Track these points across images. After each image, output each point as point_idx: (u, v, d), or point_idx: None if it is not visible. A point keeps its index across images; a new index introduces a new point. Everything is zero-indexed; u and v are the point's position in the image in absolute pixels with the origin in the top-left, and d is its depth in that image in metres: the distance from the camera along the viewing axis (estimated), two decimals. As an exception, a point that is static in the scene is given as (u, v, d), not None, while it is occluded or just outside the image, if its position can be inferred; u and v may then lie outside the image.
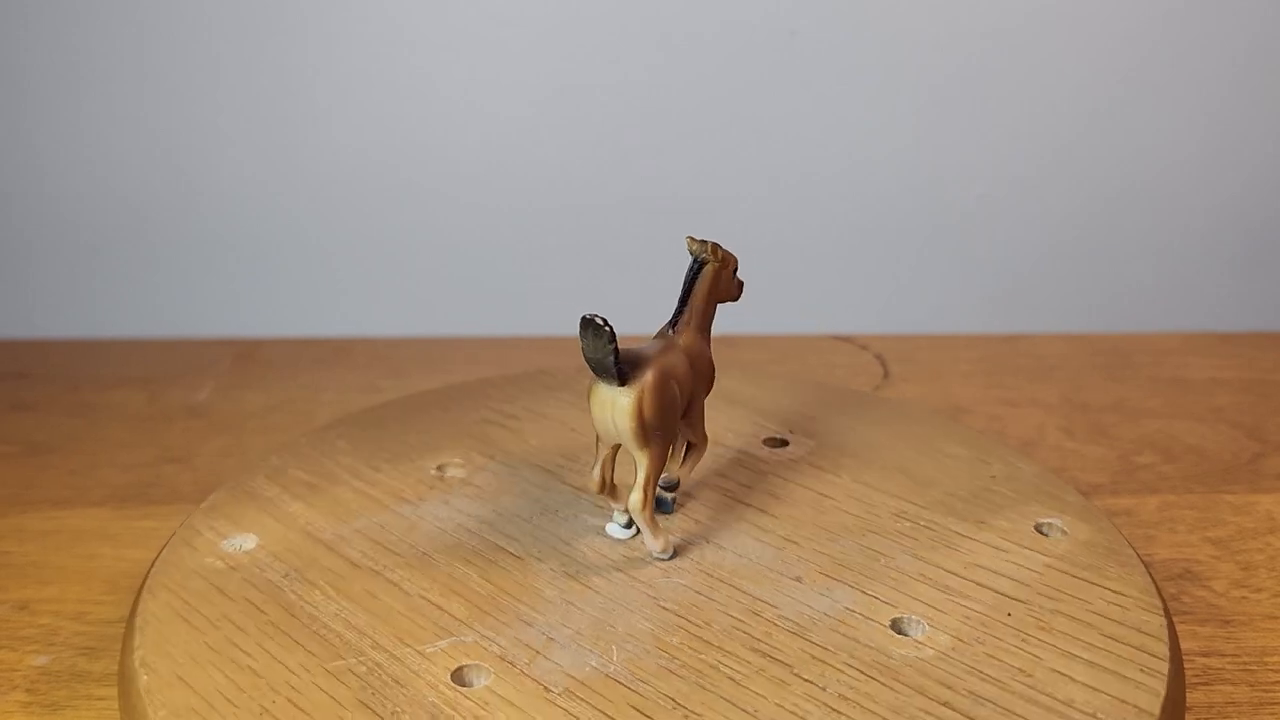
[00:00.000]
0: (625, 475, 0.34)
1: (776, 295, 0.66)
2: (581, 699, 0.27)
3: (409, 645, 0.29)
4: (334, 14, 0.59)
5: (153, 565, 0.34)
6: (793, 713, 0.27)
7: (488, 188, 0.63)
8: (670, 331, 0.34)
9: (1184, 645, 0.35)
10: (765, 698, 0.27)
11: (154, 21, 0.59)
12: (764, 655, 0.29)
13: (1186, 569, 0.41)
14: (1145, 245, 0.65)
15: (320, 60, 0.60)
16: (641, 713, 0.27)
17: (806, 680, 0.28)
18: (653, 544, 0.33)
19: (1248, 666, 0.35)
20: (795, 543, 0.34)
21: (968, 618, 0.30)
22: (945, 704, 0.27)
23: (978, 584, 0.32)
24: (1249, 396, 0.56)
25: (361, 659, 0.29)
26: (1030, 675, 0.28)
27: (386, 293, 0.65)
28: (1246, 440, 0.51)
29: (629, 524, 0.35)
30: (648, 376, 0.31)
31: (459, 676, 0.28)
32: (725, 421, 0.43)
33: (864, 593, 0.32)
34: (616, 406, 0.31)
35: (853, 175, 0.63)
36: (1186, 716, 0.32)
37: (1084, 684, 0.28)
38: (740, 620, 0.30)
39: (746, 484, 0.38)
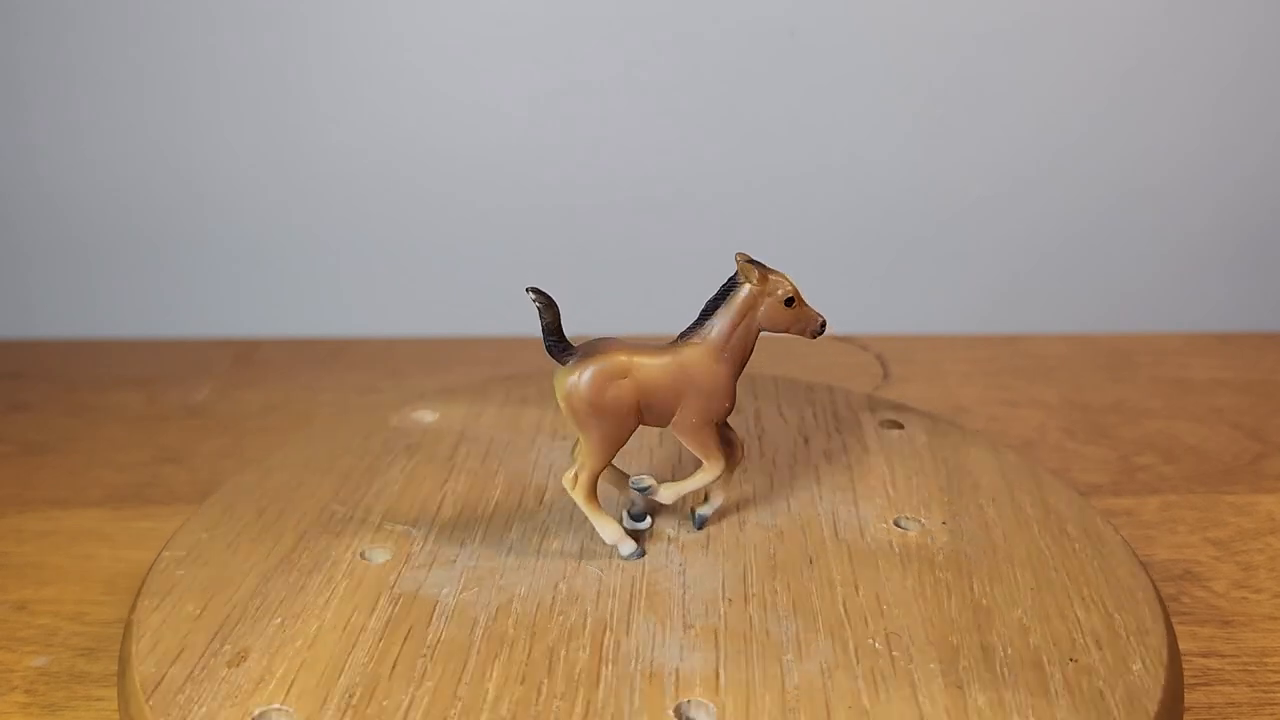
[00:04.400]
0: (638, 467, 0.34)
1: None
2: (396, 606, 0.32)
3: (382, 517, 0.36)
4: (334, 14, 0.59)
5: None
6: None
7: (488, 188, 0.63)
8: (679, 340, 0.33)
9: (1184, 646, 0.35)
10: (480, 679, 0.29)
11: (153, 22, 0.59)
12: (546, 658, 0.29)
13: (1187, 569, 0.40)
14: (1145, 245, 0.65)
15: (320, 60, 0.60)
16: (405, 638, 0.30)
17: (518, 686, 0.28)
18: (603, 533, 0.34)
19: (1247, 667, 0.35)
20: (746, 602, 0.32)
21: None
22: None
23: None
24: (1250, 397, 0.56)
25: (350, 509, 0.37)
26: None
27: (385, 293, 0.65)
28: (1247, 441, 0.51)
29: (641, 515, 0.36)
30: (591, 365, 0.32)
31: (368, 552, 0.34)
32: (878, 486, 0.39)
33: (714, 668, 0.29)
34: (557, 383, 0.33)
35: (853, 175, 0.63)
36: (1186, 717, 0.32)
37: None
38: (579, 627, 0.31)
39: (807, 542, 0.35)
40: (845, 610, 0.32)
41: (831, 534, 0.36)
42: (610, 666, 0.29)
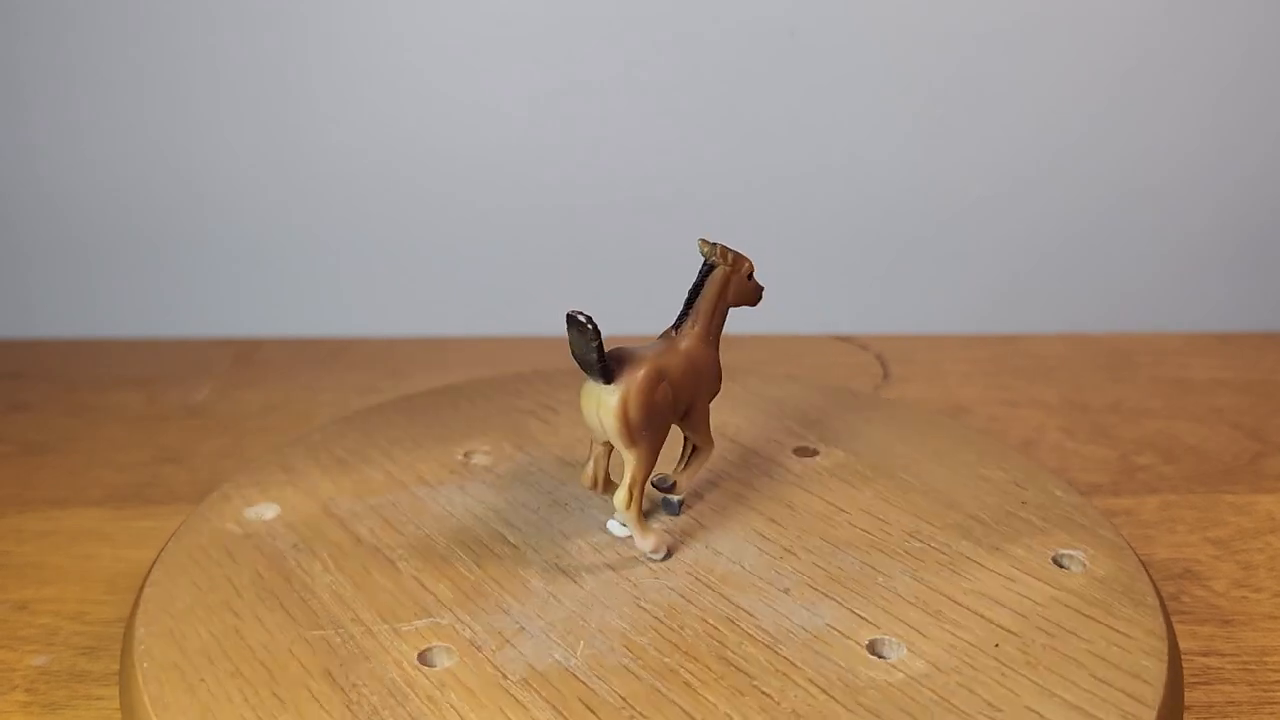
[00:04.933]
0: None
1: (776, 295, 0.66)
2: (535, 689, 0.28)
3: (387, 622, 0.31)
4: (334, 14, 0.59)
5: (175, 532, 0.36)
6: None
7: (487, 188, 0.63)
8: (673, 333, 0.34)
9: (1184, 645, 0.35)
10: (716, 706, 0.27)
11: (153, 22, 0.59)
12: (728, 664, 0.29)
13: (1186, 569, 0.40)
14: (1145, 245, 0.65)
15: (320, 60, 0.60)
16: (589, 708, 0.27)
17: (764, 693, 0.27)
18: (643, 543, 0.33)
19: (1247, 666, 0.35)
20: (794, 554, 0.34)
21: (952, 645, 0.29)
22: None
23: (973, 612, 0.30)
24: (1250, 397, 0.56)
25: (339, 630, 0.30)
26: (1000, 710, 0.27)
27: (386, 293, 0.65)
28: (1247, 440, 0.51)
29: None
30: (635, 376, 0.31)
31: (425, 657, 0.29)
32: (753, 427, 0.42)
33: (849, 610, 0.31)
34: (602, 404, 0.31)
35: (853, 175, 0.63)
36: (1186, 716, 0.32)
37: None
38: (714, 627, 0.30)
39: (762, 490, 0.38)
40: (865, 530, 0.35)
41: (773, 480, 0.38)
42: (783, 647, 0.29)
